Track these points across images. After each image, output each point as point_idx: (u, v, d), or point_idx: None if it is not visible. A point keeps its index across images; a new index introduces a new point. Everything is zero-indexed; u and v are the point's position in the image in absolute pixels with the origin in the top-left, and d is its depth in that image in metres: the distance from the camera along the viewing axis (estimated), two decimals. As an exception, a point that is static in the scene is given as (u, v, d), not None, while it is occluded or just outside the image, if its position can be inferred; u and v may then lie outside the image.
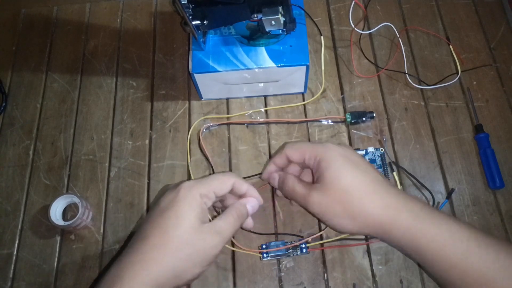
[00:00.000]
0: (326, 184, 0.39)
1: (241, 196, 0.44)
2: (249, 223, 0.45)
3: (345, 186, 0.38)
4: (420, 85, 0.56)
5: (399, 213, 0.36)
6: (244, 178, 0.51)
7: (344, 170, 0.38)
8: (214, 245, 0.37)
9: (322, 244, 0.48)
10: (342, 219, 0.38)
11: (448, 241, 0.35)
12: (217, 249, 0.38)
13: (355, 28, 0.60)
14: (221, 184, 0.40)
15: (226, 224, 0.39)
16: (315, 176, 0.41)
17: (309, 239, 0.47)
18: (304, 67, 0.51)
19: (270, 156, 0.53)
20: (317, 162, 0.40)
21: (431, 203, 0.49)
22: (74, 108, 0.58)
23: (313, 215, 0.43)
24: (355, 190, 0.38)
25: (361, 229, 0.39)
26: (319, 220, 0.49)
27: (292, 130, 0.55)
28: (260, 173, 0.50)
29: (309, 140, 0.54)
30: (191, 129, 0.55)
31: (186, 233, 0.36)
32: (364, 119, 0.53)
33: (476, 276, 0.34)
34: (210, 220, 0.39)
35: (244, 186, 0.42)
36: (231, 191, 0.42)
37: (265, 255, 0.47)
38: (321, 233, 0.48)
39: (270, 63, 0.50)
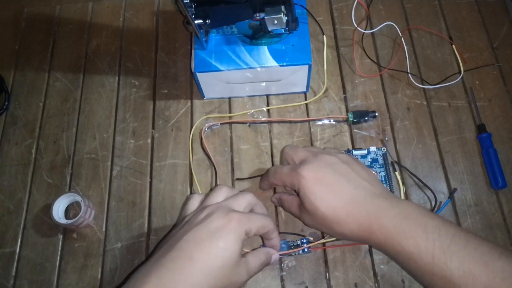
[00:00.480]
0: (309, 212, 0.42)
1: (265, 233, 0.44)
2: (277, 260, 0.47)
3: (322, 214, 0.41)
4: (422, 84, 0.56)
5: (372, 231, 0.39)
6: (246, 179, 0.52)
7: (318, 200, 0.41)
8: (243, 281, 0.40)
9: (324, 244, 0.48)
10: (332, 234, 0.45)
11: (413, 253, 0.37)
12: (243, 284, 0.40)
13: (358, 28, 0.59)
14: (262, 228, 0.42)
15: (255, 264, 0.42)
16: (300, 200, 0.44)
17: (310, 245, 0.47)
18: (306, 67, 0.51)
19: (272, 156, 0.53)
20: (297, 191, 0.44)
21: (433, 202, 0.49)
22: (77, 107, 0.58)
23: None
24: (331, 216, 0.41)
25: (350, 239, 0.43)
26: None
27: (294, 130, 0.55)
28: (261, 175, 0.51)
29: (311, 141, 0.54)
30: (193, 128, 0.55)
31: (228, 266, 0.38)
32: (366, 118, 0.53)
33: (442, 282, 0.36)
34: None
35: (274, 234, 0.44)
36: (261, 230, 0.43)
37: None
38: (322, 241, 0.48)
39: (272, 62, 0.50)
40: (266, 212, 0.47)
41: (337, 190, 0.41)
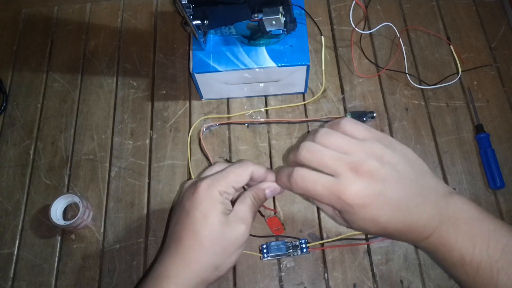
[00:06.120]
0: (358, 229, 0.37)
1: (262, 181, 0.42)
2: (277, 190, 0.42)
3: (380, 230, 0.36)
4: (420, 85, 0.56)
5: (424, 239, 0.36)
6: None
7: (377, 223, 0.35)
8: (242, 232, 0.39)
9: (322, 244, 0.48)
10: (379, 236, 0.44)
11: (457, 264, 0.35)
12: (246, 235, 0.39)
13: (356, 28, 0.59)
14: (238, 177, 0.40)
15: (246, 208, 0.40)
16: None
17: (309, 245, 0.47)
18: (304, 67, 0.51)
19: (271, 156, 0.53)
20: (342, 215, 0.37)
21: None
22: (75, 108, 0.58)
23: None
24: (391, 230, 0.35)
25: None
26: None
27: (292, 130, 0.55)
28: None
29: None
30: (192, 129, 0.55)
31: (215, 230, 0.38)
32: (364, 119, 0.53)
33: None
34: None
35: (261, 172, 0.41)
36: (252, 178, 0.41)
37: (265, 255, 0.47)
38: (321, 241, 0.48)
39: (270, 63, 0.50)
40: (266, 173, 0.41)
41: (397, 205, 0.34)
